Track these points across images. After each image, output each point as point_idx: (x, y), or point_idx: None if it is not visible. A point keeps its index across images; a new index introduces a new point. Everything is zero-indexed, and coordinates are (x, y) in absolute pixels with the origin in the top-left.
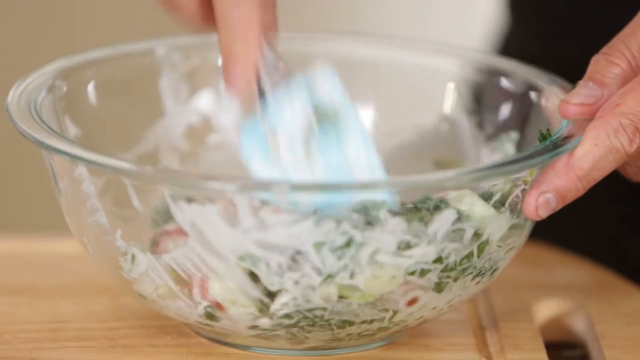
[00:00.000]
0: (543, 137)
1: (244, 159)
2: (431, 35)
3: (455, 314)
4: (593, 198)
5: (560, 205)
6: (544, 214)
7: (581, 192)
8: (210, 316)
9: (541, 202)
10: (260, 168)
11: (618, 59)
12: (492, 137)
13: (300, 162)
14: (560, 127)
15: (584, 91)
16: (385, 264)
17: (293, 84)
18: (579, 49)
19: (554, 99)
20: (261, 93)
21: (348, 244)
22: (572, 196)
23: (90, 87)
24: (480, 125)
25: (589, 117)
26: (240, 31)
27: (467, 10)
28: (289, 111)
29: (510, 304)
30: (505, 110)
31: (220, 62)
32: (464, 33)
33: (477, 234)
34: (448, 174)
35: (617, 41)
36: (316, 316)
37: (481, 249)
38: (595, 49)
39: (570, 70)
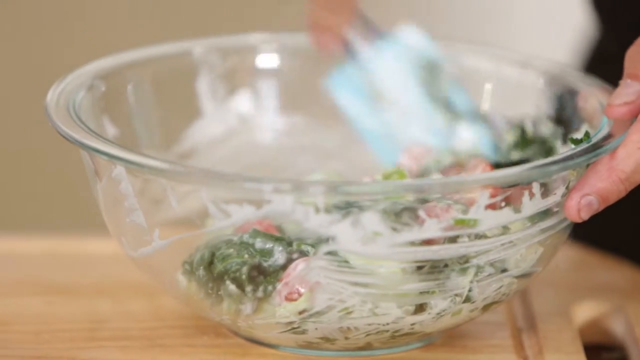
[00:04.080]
0: (575, 142)
1: (337, 101)
2: (519, 44)
3: (493, 315)
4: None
5: (602, 207)
6: (586, 215)
7: (622, 194)
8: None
9: (583, 205)
10: (354, 110)
11: None
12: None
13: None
14: (598, 130)
15: (624, 90)
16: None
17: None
18: None
19: (593, 101)
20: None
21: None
22: (613, 198)
23: (129, 88)
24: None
25: (636, 115)
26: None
27: (557, 19)
28: (384, 62)
29: (549, 306)
30: (542, 110)
31: (256, 62)
32: (553, 43)
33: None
34: (488, 175)
35: None
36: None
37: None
38: None
39: None
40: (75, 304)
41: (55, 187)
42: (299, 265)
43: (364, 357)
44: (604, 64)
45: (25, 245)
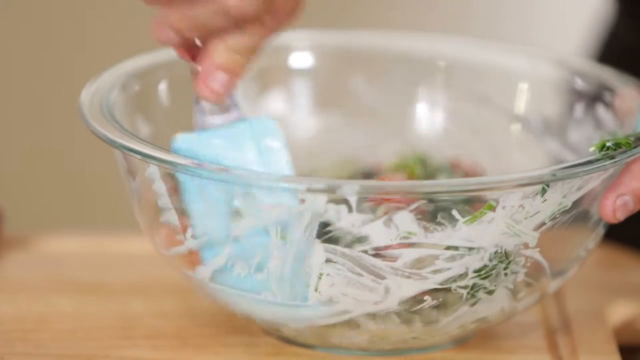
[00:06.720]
0: (602, 147)
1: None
2: (534, 31)
3: (527, 316)
4: None
5: (638, 208)
6: (621, 216)
7: None
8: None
9: (619, 205)
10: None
11: None
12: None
13: None
14: (632, 132)
15: None
16: None
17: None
18: None
19: (628, 100)
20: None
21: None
22: None
23: (162, 87)
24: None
25: None
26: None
27: (571, 6)
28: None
29: (583, 307)
30: (579, 110)
31: (288, 61)
32: (569, 27)
33: None
34: (526, 173)
35: None
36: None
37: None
38: None
39: None
40: (109, 302)
41: (88, 186)
42: None
43: (397, 357)
44: (620, 53)
45: (60, 244)
